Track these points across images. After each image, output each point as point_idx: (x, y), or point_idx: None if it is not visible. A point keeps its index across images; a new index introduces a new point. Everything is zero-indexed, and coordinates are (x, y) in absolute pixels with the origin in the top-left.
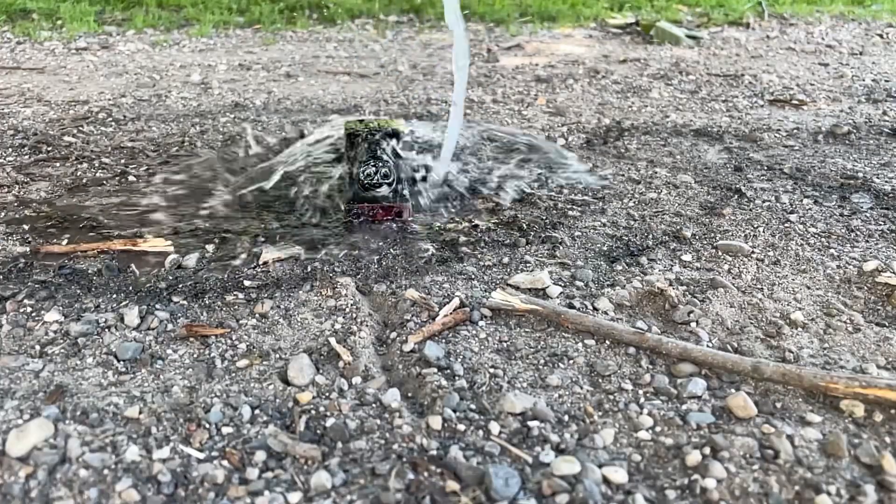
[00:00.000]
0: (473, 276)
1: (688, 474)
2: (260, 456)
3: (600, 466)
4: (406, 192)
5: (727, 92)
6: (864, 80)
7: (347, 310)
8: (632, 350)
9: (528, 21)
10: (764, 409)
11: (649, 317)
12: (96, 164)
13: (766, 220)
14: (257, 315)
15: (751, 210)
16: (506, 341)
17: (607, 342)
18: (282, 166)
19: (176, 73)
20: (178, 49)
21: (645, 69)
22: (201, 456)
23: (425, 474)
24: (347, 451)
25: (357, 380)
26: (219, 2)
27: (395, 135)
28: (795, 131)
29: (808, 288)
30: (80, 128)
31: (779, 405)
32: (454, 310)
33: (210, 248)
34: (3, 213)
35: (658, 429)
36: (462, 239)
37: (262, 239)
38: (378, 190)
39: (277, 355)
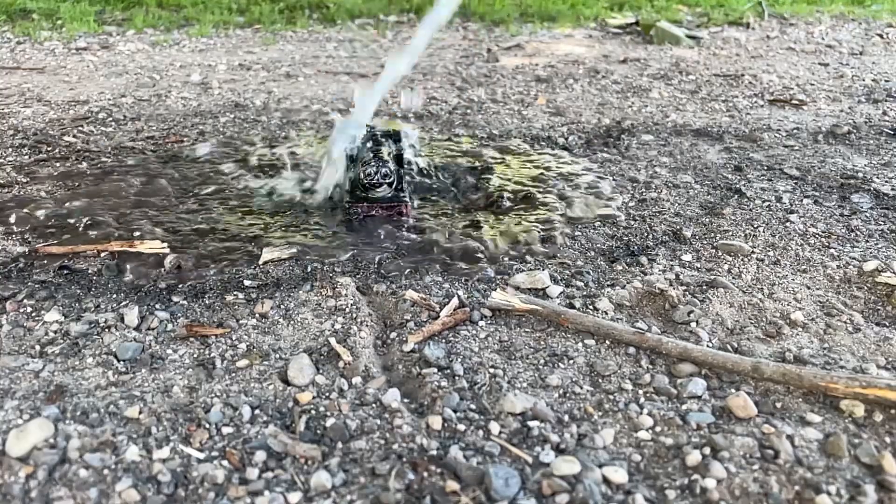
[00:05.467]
0: (473, 276)
1: (688, 474)
2: (260, 456)
3: (600, 466)
4: (406, 191)
5: (727, 92)
6: (864, 80)
7: (347, 310)
8: (632, 350)
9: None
10: (764, 409)
11: (649, 317)
12: (96, 164)
13: (766, 220)
14: (257, 315)
15: (751, 210)
16: (506, 341)
17: (607, 342)
18: None
19: (176, 73)
20: (178, 49)
21: (645, 69)
22: (201, 456)
23: (425, 474)
24: (347, 451)
25: (357, 380)
26: (219, 2)
27: (397, 136)
28: (795, 131)
29: (808, 288)
30: (80, 128)
31: (779, 405)
32: (454, 310)
33: (210, 247)
34: (3, 214)
35: (658, 429)
36: (462, 237)
37: (263, 238)
38: (378, 189)
39: (277, 355)
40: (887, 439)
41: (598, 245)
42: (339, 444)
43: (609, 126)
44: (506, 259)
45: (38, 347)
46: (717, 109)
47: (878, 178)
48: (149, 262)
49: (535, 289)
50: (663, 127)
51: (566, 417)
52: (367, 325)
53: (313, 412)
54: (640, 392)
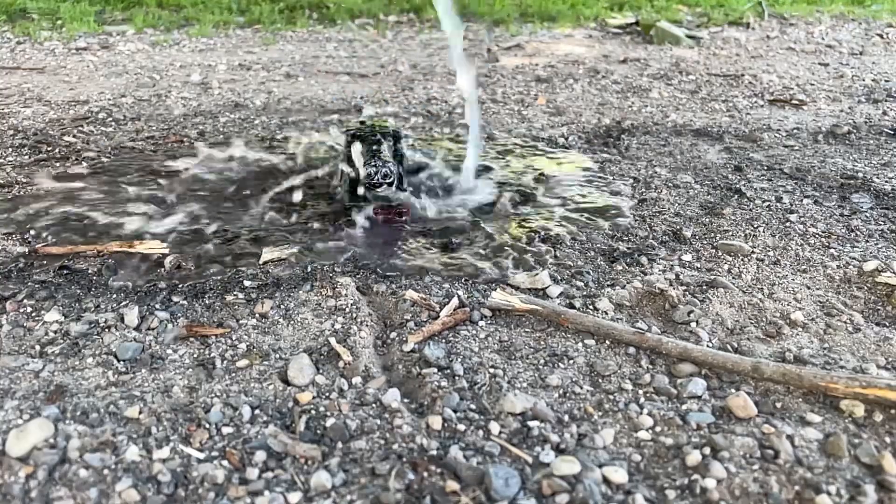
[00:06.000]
0: (473, 276)
1: (688, 474)
2: (260, 456)
3: (600, 466)
4: (407, 191)
5: (727, 92)
6: (864, 80)
7: (347, 310)
8: (632, 350)
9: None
10: (764, 409)
11: (649, 317)
12: (96, 164)
13: (766, 220)
14: (257, 315)
15: (751, 210)
16: (506, 341)
17: (607, 342)
18: None
19: (176, 73)
20: (178, 49)
21: (645, 69)
22: (201, 456)
23: (425, 474)
24: (347, 451)
25: (357, 380)
26: (219, 2)
27: (397, 136)
28: (795, 131)
29: (808, 288)
30: (80, 128)
31: (779, 405)
32: (454, 310)
33: (210, 247)
34: (2, 214)
35: (658, 429)
36: (463, 238)
37: (263, 237)
38: (378, 190)
39: (277, 355)
40: (887, 439)
41: (598, 245)
42: (339, 444)
43: (609, 126)
44: (507, 259)
45: (38, 347)
46: (717, 109)
47: (878, 178)
48: (149, 262)
49: (535, 289)
50: (663, 127)
51: (566, 417)
52: (367, 325)
53: (313, 412)
54: (640, 392)
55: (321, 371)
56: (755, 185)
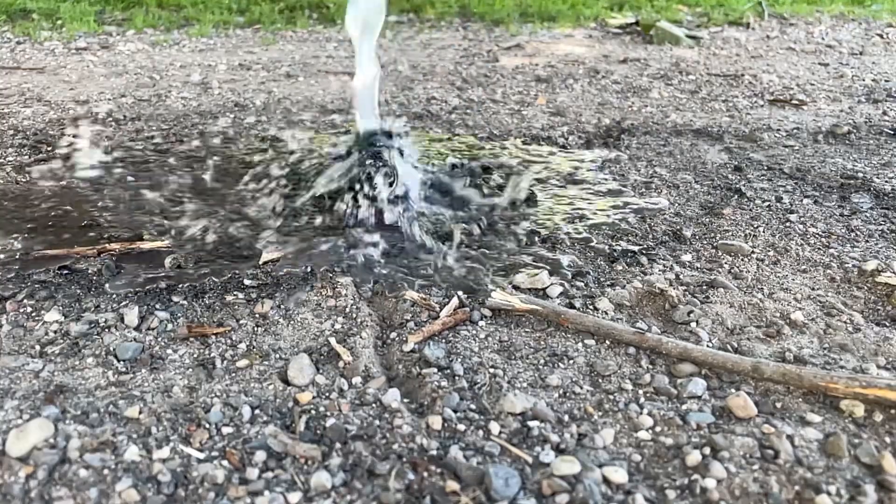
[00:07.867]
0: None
1: (688, 474)
2: (260, 456)
3: (600, 466)
4: (408, 192)
5: (727, 92)
6: (864, 80)
7: (347, 310)
8: (632, 350)
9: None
10: (764, 409)
11: (649, 317)
12: (96, 164)
13: (766, 220)
14: (257, 315)
15: (751, 210)
16: (506, 341)
17: (607, 342)
18: None
19: (176, 73)
20: (178, 49)
21: (645, 69)
22: (201, 456)
23: (425, 474)
24: (347, 451)
25: (357, 380)
26: (219, 2)
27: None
28: (795, 131)
29: (809, 288)
30: (81, 128)
31: (779, 405)
32: (454, 310)
33: (210, 246)
34: (2, 213)
35: (658, 429)
36: (463, 238)
37: (263, 238)
38: (378, 190)
39: (277, 355)
40: (887, 439)
41: (598, 244)
42: (339, 444)
43: (609, 126)
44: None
45: (38, 347)
46: (717, 109)
47: (878, 178)
48: (149, 261)
49: (535, 289)
50: (663, 127)
51: (566, 417)
52: (367, 325)
53: (313, 412)
54: (640, 392)
55: (321, 371)
56: (755, 185)
